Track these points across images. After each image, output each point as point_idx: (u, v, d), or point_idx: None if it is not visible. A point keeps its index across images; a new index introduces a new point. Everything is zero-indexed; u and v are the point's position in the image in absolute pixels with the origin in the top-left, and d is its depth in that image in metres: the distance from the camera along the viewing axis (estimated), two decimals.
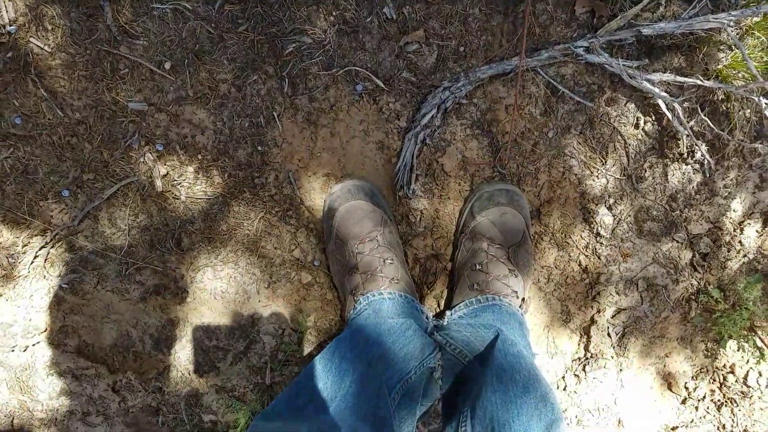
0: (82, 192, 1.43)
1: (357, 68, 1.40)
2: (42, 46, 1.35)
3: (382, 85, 1.41)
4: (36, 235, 1.44)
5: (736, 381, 1.57)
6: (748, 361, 1.57)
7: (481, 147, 1.45)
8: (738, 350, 1.56)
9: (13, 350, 1.48)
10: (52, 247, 1.45)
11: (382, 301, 1.33)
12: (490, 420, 1.03)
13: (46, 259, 1.46)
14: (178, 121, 1.41)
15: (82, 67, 1.36)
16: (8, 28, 1.34)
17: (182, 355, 1.52)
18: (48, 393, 1.50)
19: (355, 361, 1.09)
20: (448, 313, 1.40)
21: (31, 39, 1.34)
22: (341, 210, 1.40)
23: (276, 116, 1.42)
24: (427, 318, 1.40)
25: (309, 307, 1.52)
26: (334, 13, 1.37)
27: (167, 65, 1.38)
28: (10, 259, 1.45)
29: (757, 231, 1.52)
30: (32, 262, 1.45)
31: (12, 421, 1.53)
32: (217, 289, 1.50)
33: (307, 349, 1.52)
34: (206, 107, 1.40)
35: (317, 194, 1.47)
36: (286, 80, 1.40)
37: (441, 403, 1.33)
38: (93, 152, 1.41)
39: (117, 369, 1.52)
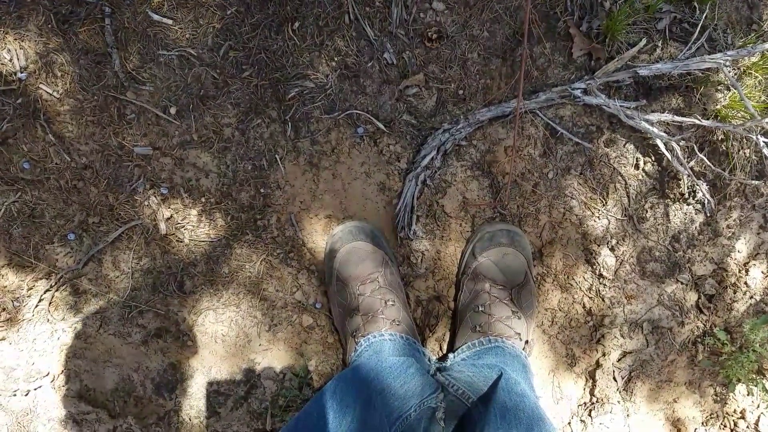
0: (87, 235, 1.39)
1: (358, 111, 1.37)
2: (51, 92, 1.33)
3: (383, 128, 1.38)
4: (41, 279, 1.40)
5: (747, 427, 1.46)
6: (758, 406, 1.47)
7: (482, 188, 1.41)
8: (748, 394, 1.47)
9: (15, 394, 1.42)
10: (57, 290, 1.41)
11: (383, 342, 1.26)
12: None
13: (50, 303, 1.41)
14: (183, 165, 1.38)
15: (90, 112, 1.34)
16: (19, 75, 1.33)
17: (183, 399, 1.45)
18: None
19: (356, 397, 1.03)
20: (450, 355, 1.33)
21: (41, 85, 1.33)
22: (342, 251, 1.35)
23: (278, 159, 1.38)
24: (429, 360, 1.34)
25: (310, 350, 1.45)
26: (335, 59, 1.35)
27: (173, 110, 1.35)
28: (14, 303, 1.40)
29: (762, 272, 1.45)
30: (36, 306, 1.40)
31: None
32: (219, 333, 1.44)
33: (308, 394, 1.45)
34: (210, 151, 1.37)
35: (319, 236, 1.43)
36: (289, 124, 1.37)
37: None
38: (99, 196, 1.38)
39: (118, 414, 1.45)
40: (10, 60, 1.32)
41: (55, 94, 1.33)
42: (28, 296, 1.40)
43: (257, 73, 1.35)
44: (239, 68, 1.34)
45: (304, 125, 1.38)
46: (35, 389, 1.42)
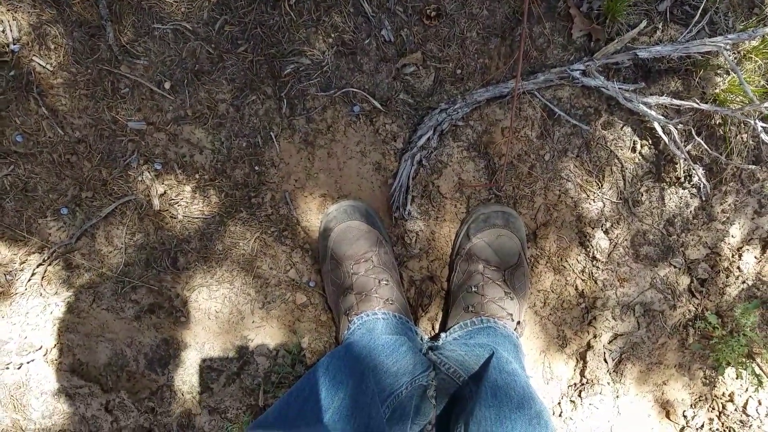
0: (80, 210, 1.37)
1: (354, 90, 1.34)
2: (44, 65, 1.30)
3: (380, 107, 1.35)
4: (33, 253, 1.38)
5: (736, 409, 1.46)
6: (747, 389, 1.47)
7: (478, 169, 1.38)
8: (737, 378, 1.46)
9: (7, 368, 1.41)
10: (50, 264, 1.39)
11: (376, 321, 1.25)
12: None
13: (43, 277, 1.39)
14: (177, 141, 1.35)
15: (83, 86, 1.31)
16: (12, 46, 1.29)
17: (176, 375, 1.44)
18: (41, 412, 1.42)
19: (348, 374, 1.03)
20: (442, 335, 1.32)
21: (34, 58, 1.30)
22: (337, 230, 1.33)
23: (273, 137, 1.36)
24: (421, 339, 1.33)
25: (303, 328, 1.44)
26: (332, 35, 1.32)
27: (167, 85, 1.32)
28: (7, 276, 1.38)
29: (755, 257, 1.44)
30: (29, 280, 1.39)
31: None
32: (212, 309, 1.42)
33: (301, 371, 1.44)
34: (204, 127, 1.35)
35: (313, 215, 1.41)
36: (284, 101, 1.34)
37: (435, 425, 1.25)
38: (92, 170, 1.35)
39: (110, 388, 1.44)
40: (3, 31, 1.29)
41: (48, 66, 1.30)
42: (21, 270, 1.38)
43: (253, 48, 1.31)
44: (234, 43, 1.31)
45: (300, 102, 1.35)
46: (28, 363, 1.41)
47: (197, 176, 1.36)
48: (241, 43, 1.31)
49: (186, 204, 1.38)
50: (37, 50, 1.30)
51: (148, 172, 1.36)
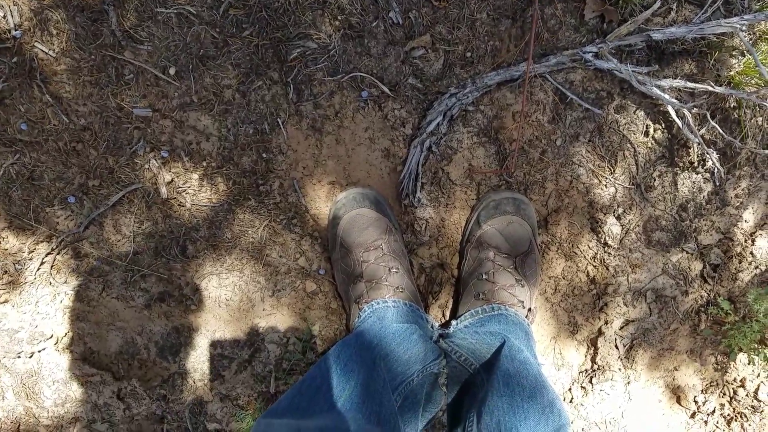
0: (87, 198, 1.33)
1: (362, 74, 1.29)
2: (47, 51, 1.25)
3: (388, 92, 1.30)
4: (42, 242, 1.34)
5: (747, 395, 1.43)
6: (759, 375, 1.43)
7: (488, 155, 1.34)
8: (749, 364, 1.43)
9: (19, 356, 1.38)
10: (58, 253, 1.35)
11: (386, 309, 1.22)
12: (497, 424, 0.94)
13: (52, 266, 1.36)
14: (183, 128, 1.31)
15: (87, 72, 1.26)
16: (14, 33, 1.24)
17: (187, 363, 1.41)
18: (53, 400, 1.40)
19: (359, 362, 1.00)
20: (453, 322, 1.28)
21: (36, 44, 1.25)
22: (346, 218, 1.29)
23: (281, 123, 1.31)
24: (432, 327, 1.29)
25: (313, 316, 1.41)
26: (339, 18, 1.27)
27: (172, 70, 1.27)
28: (16, 266, 1.35)
29: None
30: (38, 269, 1.35)
31: (18, 427, 1.42)
32: (222, 297, 1.39)
33: (312, 358, 1.41)
34: (210, 113, 1.30)
35: (322, 202, 1.36)
36: (291, 86, 1.29)
37: (446, 414, 1.23)
38: (98, 158, 1.31)
39: (122, 376, 1.41)
40: (4, 17, 1.23)
41: (51, 53, 1.25)
42: (30, 259, 1.35)
43: (258, 32, 1.26)
44: (239, 27, 1.26)
45: (307, 88, 1.30)
46: (39, 351, 1.38)
47: (204, 164, 1.32)
48: (246, 26, 1.26)
49: (194, 192, 1.34)
50: (40, 36, 1.25)
51: (155, 159, 1.31)
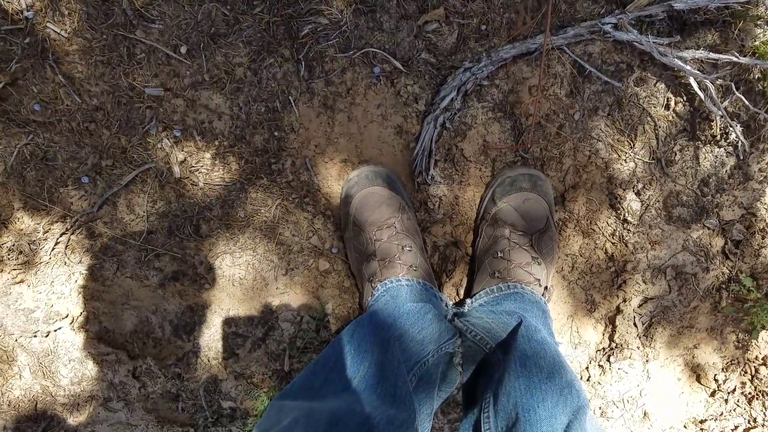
0: (101, 178, 1.31)
1: (374, 50, 1.24)
2: (59, 31, 1.22)
3: (401, 67, 1.25)
4: (56, 222, 1.32)
5: None
6: None
7: (504, 130, 1.29)
8: None
9: (35, 336, 1.37)
10: (73, 233, 1.33)
11: (399, 287, 1.18)
12: (514, 405, 0.91)
13: (66, 246, 1.34)
14: (195, 107, 1.27)
15: (99, 52, 1.23)
16: (26, 13, 1.21)
17: (201, 341, 1.39)
18: (70, 378, 1.39)
19: (373, 342, 0.97)
20: (468, 301, 1.24)
21: (48, 24, 1.22)
22: (358, 196, 1.25)
23: (292, 101, 1.27)
24: (446, 305, 1.25)
25: (327, 294, 1.38)
26: None
27: (183, 49, 1.24)
28: (31, 246, 1.33)
29: None
30: (53, 249, 1.34)
31: (35, 405, 1.42)
32: (236, 276, 1.36)
33: (326, 336, 1.38)
34: (222, 92, 1.26)
35: (334, 180, 1.33)
36: (302, 63, 1.25)
37: (461, 393, 1.19)
38: (111, 138, 1.29)
39: (137, 355, 1.40)
40: None
41: (63, 33, 1.22)
42: (45, 239, 1.33)
43: (269, 9, 1.22)
44: (250, 4, 1.22)
45: (318, 65, 1.26)
46: (55, 331, 1.37)
47: (216, 143, 1.29)
48: (257, 3, 1.22)
49: (206, 171, 1.31)
50: (51, 16, 1.22)
51: (168, 139, 1.28)
